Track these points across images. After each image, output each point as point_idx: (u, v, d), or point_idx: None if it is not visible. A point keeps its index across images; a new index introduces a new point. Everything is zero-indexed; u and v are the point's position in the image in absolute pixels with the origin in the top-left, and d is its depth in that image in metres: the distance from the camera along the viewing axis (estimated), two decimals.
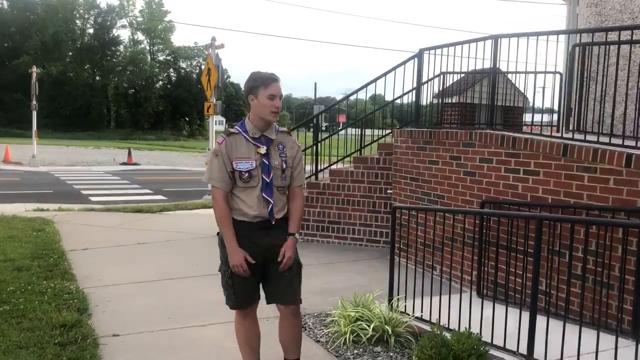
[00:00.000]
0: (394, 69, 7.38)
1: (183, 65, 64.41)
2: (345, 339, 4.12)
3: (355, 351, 4.04)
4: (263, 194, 3.12)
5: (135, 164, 23.87)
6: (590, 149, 4.50)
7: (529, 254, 4.64)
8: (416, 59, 6.95)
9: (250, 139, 3.17)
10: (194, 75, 60.62)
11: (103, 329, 4.29)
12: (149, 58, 62.67)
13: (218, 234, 3.29)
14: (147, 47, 63.71)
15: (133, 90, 59.26)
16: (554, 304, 4.52)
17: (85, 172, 20.00)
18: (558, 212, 4.72)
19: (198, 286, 5.63)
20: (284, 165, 3.20)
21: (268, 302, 3.34)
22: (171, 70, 64.11)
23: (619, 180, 4.28)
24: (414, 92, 7.19)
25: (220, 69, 12.74)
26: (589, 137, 4.83)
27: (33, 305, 4.64)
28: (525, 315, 3.76)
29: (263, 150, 3.15)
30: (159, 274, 5.98)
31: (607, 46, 5.11)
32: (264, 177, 3.13)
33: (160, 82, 63.10)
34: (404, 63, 7.25)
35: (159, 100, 58.74)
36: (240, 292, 3.23)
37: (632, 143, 4.46)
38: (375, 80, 7.59)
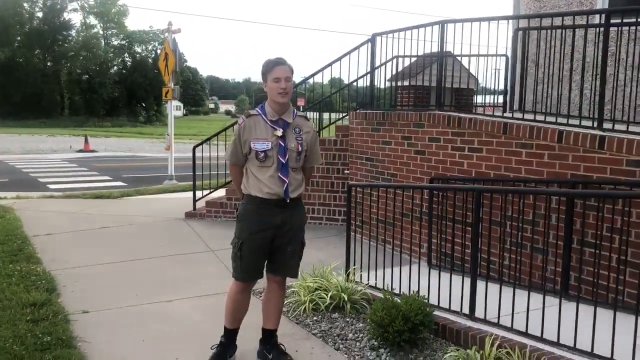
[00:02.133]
0: (349, 53, 7.64)
1: (138, 49, 62.86)
2: (305, 308, 4.42)
3: (315, 318, 4.34)
4: (279, 174, 3.34)
5: (92, 151, 23.49)
6: (527, 126, 4.90)
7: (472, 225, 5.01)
8: (369, 44, 7.23)
9: (268, 122, 3.38)
10: (150, 60, 59.21)
11: (72, 306, 4.47)
12: (103, 43, 60.92)
13: (236, 210, 3.53)
14: (101, 32, 61.92)
15: (87, 76, 57.51)
16: (496, 269, 4.92)
17: (42, 160, 19.63)
18: (499, 185, 5.11)
19: (163, 265, 5.83)
20: (300, 148, 3.41)
21: (267, 271, 3.56)
22: (126, 55, 62.48)
23: (553, 155, 4.69)
24: (368, 75, 7.48)
25: (178, 53, 12.75)
26: (527, 116, 5.23)
27: (1, 287, 4.76)
28: (468, 281, 4.14)
29: (280, 132, 3.36)
30: (124, 255, 6.14)
31: (546, 30, 5.49)
32: (279, 158, 3.34)
33: (115, 68, 61.41)
34: (357, 47, 7.52)
35: (115, 86, 57.24)
36: (247, 266, 3.43)
37: (564, 120, 4.88)
38: (330, 64, 7.83)
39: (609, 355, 3.20)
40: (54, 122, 48.92)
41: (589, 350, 3.29)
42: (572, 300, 3.97)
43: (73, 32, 60.02)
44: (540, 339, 3.53)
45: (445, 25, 5.89)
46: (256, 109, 3.50)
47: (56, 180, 13.87)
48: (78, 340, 3.81)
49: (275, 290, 3.63)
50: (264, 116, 3.41)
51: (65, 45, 58.20)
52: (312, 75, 8.08)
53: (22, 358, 3.42)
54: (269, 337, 3.64)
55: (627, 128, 4.45)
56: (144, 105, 61.88)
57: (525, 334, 3.62)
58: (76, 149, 24.08)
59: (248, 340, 3.68)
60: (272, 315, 3.65)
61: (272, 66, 3.36)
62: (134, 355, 3.69)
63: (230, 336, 3.61)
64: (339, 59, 7.74)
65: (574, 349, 3.36)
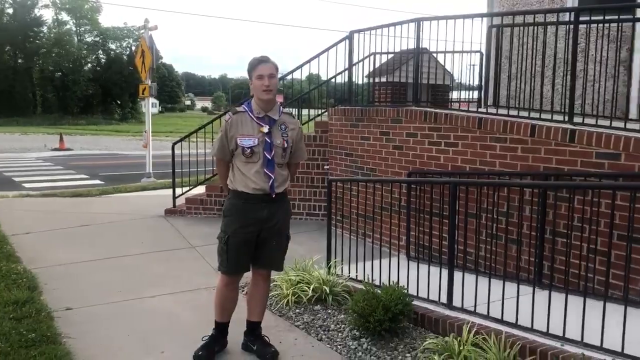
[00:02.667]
0: (327, 50, 7.71)
1: (112, 46, 62.04)
2: (287, 300, 4.51)
3: (297, 310, 4.43)
4: (265, 170, 3.41)
5: (67, 149, 23.19)
6: (501, 121, 5.05)
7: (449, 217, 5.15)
8: (347, 41, 7.33)
9: (254, 118, 3.45)
10: (125, 57, 58.57)
11: (55, 304, 4.47)
12: (76, 40, 60.02)
13: (223, 204, 3.61)
14: (73, 28, 60.95)
15: (60, 74, 56.61)
16: (472, 260, 5.06)
17: (15, 159, 19.31)
18: (474, 179, 5.25)
19: (144, 262, 5.86)
20: (286, 144, 3.49)
21: (253, 265, 3.63)
22: (100, 52, 61.66)
23: (525, 149, 4.84)
24: (346, 72, 7.58)
25: (154, 50, 12.70)
26: (501, 111, 5.38)
27: None
28: (445, 272, 4.26)
29: (265, 129, 3.43)
30: (105, 253, 6.14)
31: (519, 27, 5.64)
32: (265, 154, 3.41)
33: (89, 65, 60.61)
34: (335, 44, 7.59)
35: (89, 83, 56.44)
36: (233, 259, 3.49)
37: (537, 115, 5.04)
38: (309, 61, 7.91)
39: (579, 339, 3.35)
40: (26, 120, 48.01)
41: (561, 334, 3.43)
42: (545, 288, 4.12)
43: (44, 29, 58.95)
44: (515, 326, 3.67)
45: (421, 22, 6.01)
46: (242, 105, 3.57)
47: (32, 179, 13.70)
48: (63, 337, 3.83)
49: (260, 284, 3.71)
50: (250, 113, 3.48)
51: (37, 42, 57.10)
52: (291, 72, 8.16)
53: (8, 355, 3.44)
54: (253, 329, 3.73)
55: (596, 122, 4.62)
56: (119, 102, 61.16)
57: (500, 321, 3.76)
58: (51, 147, 23.75)
59: (233, 333, 3.74)
60: (257, 307, 3.73)
61: (256, 64, 3.43)
62: (120, 349, 3.74)
63: (220, 329, 3.67)
64: (317, 56, 7.82)
65: (546, 334, 3.50)
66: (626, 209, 3.99)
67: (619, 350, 3.17)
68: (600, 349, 3.24)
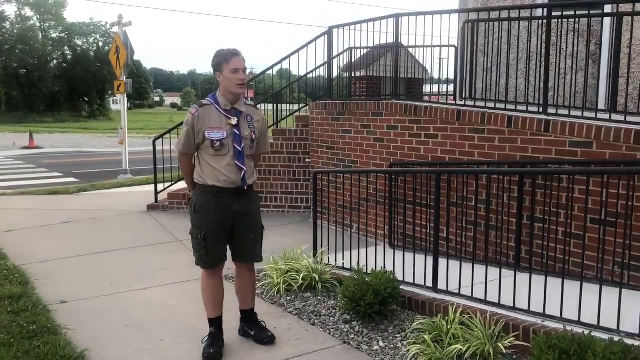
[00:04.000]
0: (306, 45, 7.84)
1: (79, 42, 60.88)
2: (279, 289, 4.64)
3: (288, 298, 4.58)
4: (236, 162, 3.44)
5: (37, 147, 22.79)
6: (479, 113, 5.26)
7: (431, 206, 5.35)
8: (326, 36, 7.48)
9: (222, 111, 3.47)
10: (92, 53, 57.61)
11: (49, 297, 4.53)
12: (40, 35, 58.65)
13: (189, 199, 3.60)
14: (37, 24, 59.54)
15: (25, 71, 55.33)
16: (453, 247, 5.28)
17: None
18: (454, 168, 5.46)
19: (132, 257, 5.92)
20: (253, 136, 3.54)
21: (233, 260, 3.70)
22: (66, 48, 60.43)
23: (503, 139, 5.07)
24: (325, 66, 7.73)
25: (129, 46, 12.62)
26: (478, 103, 5.60)
27: None
28: (430, 258, 4.45)
29: (234, 121, 3.46)
30: (92, 248, 6.18)
31: (493, 23, 5.88)
32: (235, 146, 3.44)
33: (55, 61, 59.30)
34: (314, 40, 7.73)
35: (55, 80, 55.28)
36: (212, 253, 3.52)
37: (513, 107, 5.27)
38: (289, 56, 8.02)
39: (559, 315, 3.58)
40: None
41: (542, 312, 3.66)
42: (525, 271, 4.35)
43: (7, 25, 57.46)
44: (498, 305, 3.88)
45: (400, 18, 6.19)
46: (207, 98, 3.56)
47: (4, 177, 13.50)
48: (62, 328, 3.90)
49: (246, 275, 3.80)
50: (216, 106, 3.49)
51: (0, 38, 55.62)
52: (272, 67, 8.26)
53: (11, 345, 3.50)
54: (249, 316, 3.84)
55: (569, 112, 4.87)
56: (86, 100, 60.04)
57: (484, 302, 3.96)
58: (20, 145, 23.32)
59: (227, 320, 3.85)
60: (248, 296, 3.83)
61: (230, 57, 3.43)
62: (120, 339, 3.82)
63: (217, 325, 3.67)
64: (297, 51, 7.93)
65: (528, 312, 3.72)
66: (598, 194, 4.26)
67: (595, 323, 3.41)
68: (579, 323, 3.47)
